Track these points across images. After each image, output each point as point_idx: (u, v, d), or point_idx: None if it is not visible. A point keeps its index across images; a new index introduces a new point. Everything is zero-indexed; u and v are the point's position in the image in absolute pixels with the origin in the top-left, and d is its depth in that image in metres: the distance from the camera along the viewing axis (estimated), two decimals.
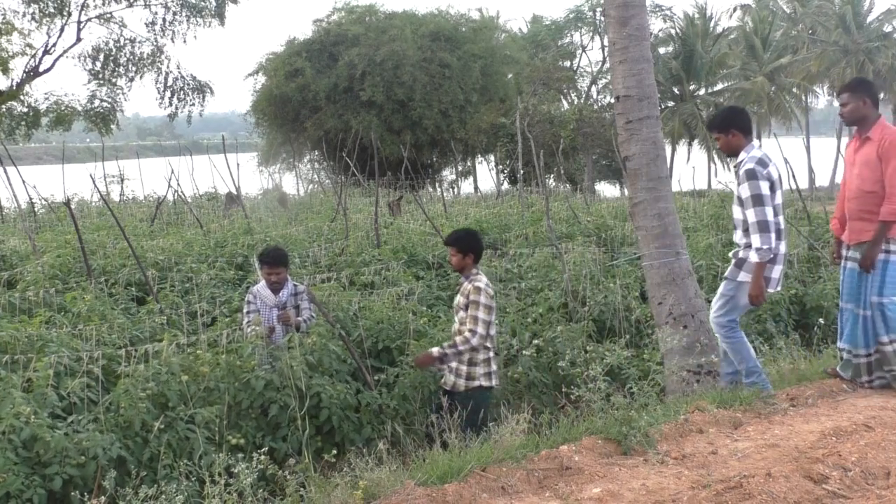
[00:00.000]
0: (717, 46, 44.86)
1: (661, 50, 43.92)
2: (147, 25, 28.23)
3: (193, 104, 29.67)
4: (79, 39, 26.98)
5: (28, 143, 35.01)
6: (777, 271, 4.95)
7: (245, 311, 6.25)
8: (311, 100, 30.91)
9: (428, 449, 4.33)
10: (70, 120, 28.16)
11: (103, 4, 27.02)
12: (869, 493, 3.60)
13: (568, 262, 8.60)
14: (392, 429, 5.45)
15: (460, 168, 36.96)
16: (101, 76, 28.11)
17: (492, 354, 5.45)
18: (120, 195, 19.70)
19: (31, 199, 15.40)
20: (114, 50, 27.99)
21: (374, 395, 5.72)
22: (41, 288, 7.58)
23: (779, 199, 4.93)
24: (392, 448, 4.97)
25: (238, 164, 17.11)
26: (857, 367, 5.18)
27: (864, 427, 4.39)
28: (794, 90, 47.58)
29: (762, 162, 4.92)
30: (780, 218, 4.93)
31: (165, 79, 28.86)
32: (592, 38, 41.76)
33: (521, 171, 17.71)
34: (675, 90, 43.66)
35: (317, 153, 33.75)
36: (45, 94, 28.32)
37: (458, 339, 5.31)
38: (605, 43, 21.16)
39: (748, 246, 4.94)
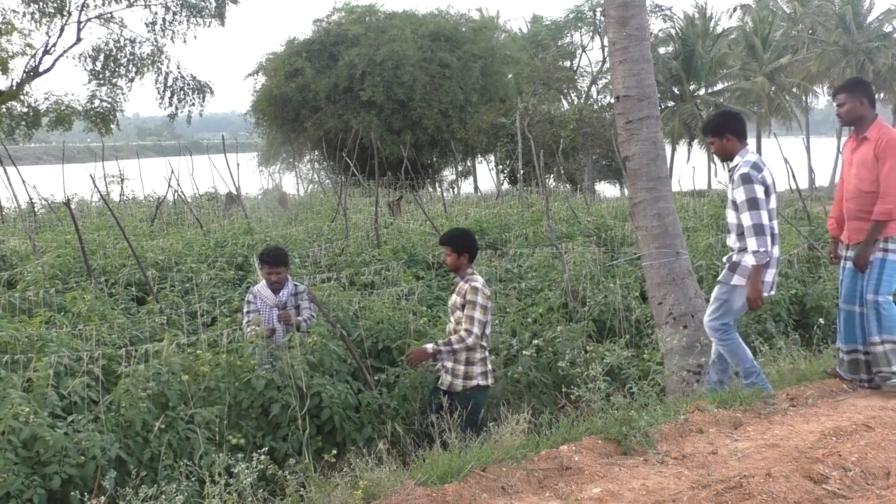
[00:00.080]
0: (717, 46, 44.88)
1: (661, 50, 43.94)
2: (147, 25, 28.28)
3: (193, 104, 29.71)
4: (79, 39, 27.01)
5: (28, 143, 35.02)
6: (771, 275, 4.95)
7: (245, 310, 6.25)
8: (311, 100, 30.92)
9: (428, 449, 4.33)
10: (70, 120, 28.16)
11: (103, 4, 27.04)
12: (869, 493, 3.60)
13: (568, 262, 8.61)
14: (392, 429, 5.45)
15: (460, 168, 36.98)
16: (101, 76, 28.11)
17: (487, 353, 5.46)
18: (120, 195, 19.70)
19: (31, 199, 15.40)
20: (114, 50, 28.00)
21: (375, 395, 5.72)
22: (41, 288, 7.58)
23: (773, 204, 4.95)
24: (392, 448, 4.97)
25: (238, 164, 17.13)
26: (855, 365, 5.18)
27: (864, 427, 4.39)
28: (794, 90, 47.60)
29: (757, 166, 4.93)
30: (774, 222, 4.95)
31: (165, 79, 28.88)
32: (592, 38, 41.80)
33: (521, 171, 17.71)
34: (675, 90, 43.68)
35: (317, 153, 33.76)
36: (45, 94, 28.37)
37: (453, 337, 5.32)
38: (605, 43, 21.14)
39: (741, 250, 4.96)
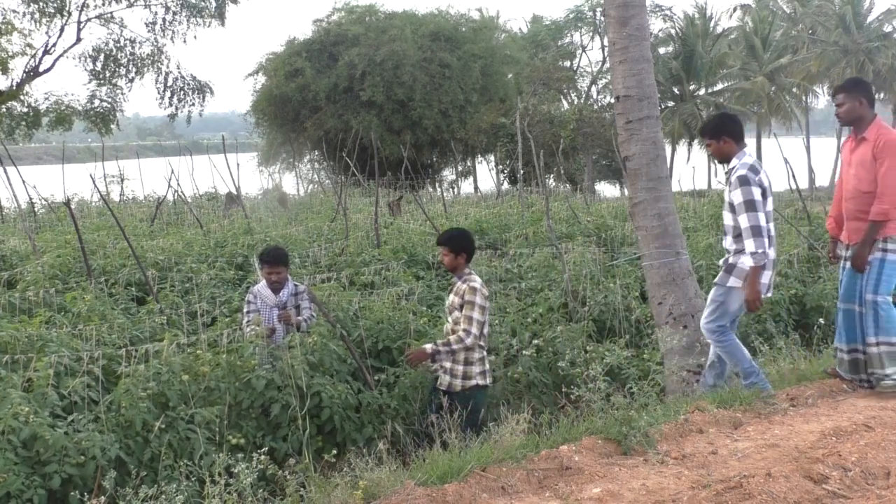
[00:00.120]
0: (717, 46, 44.88)
1: (661, 50, 43.93)
2: (147, 25, 28.28)
3: (193, 104, 29.70)
4: (79, 39, 27.01)
5: (28, 143, 35.01)
6: (767, 276, 4.96)
7: (245, 310, 6.25)
8: (311, 100, 30.93)
9: (428, 449, 4.33)
10: (70, 120, 28.16)
11: (103, 4, 27.04)
12: (869, 493, 3.60)
13: (568, 262, 8.60)
14: (392, 429, 5.45)
15: (460, 168, 36.98)
16: (101, 76, 28.11)
17: (485, 353, 5.46)
18: (120, 195, 19.70)
19: (31, 199, 15.40)
20: (114, 50, 28.00)
21: (375, 394, 5.72)
22: (41, 288, 7.58)
23: (770, 206, 4.97)
24: (392, 448, 4.98)
25: (238, 164, 17.13)
26: (855, 365, 5.18)
27: (864, 427, 4.39)
28: (794, 90, 47.60)
29: (754, 168, 4.96)
30: (771, 224, 4.96)
31: (165, 79, 28.88)
32: (592, 38, 41.81)
33: (521, 171, 17.72)
34: (675, 90, 43.67)
35: (317, 153, 33.77)
36: (45, 94, 28.38)
37: (452, 338, 5.31)
38: (605, 43, 21.14)
39: (738, 252, 4.97)
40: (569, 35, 42.59)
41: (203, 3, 28.13)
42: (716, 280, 5.15)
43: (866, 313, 4.99)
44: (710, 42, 44.67)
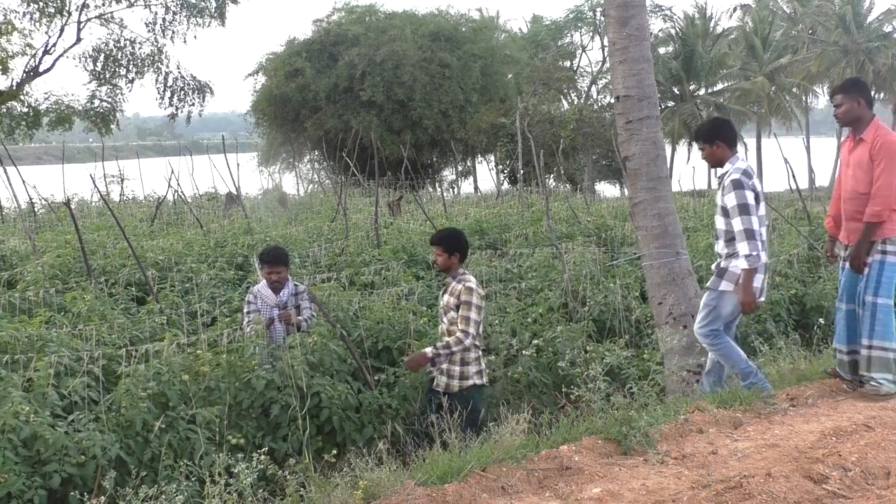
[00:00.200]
0: (717, 46, 44.87)
1: (661, 50, 43.93)
2: (147, 25, 28.28)
3: (193, 104, 29.69)
4: (79, 39, 27.01)
5: (28, 143, 35.02)
6: (759, 280, 4.97)
7: (245, 310, 6.26)
8: (311, 100, 30.92)
9: (428, 449, 4.33)
10: (70, 120, 28.16)
11: (103, 4, 27.04)
12: (869, 493, 3.60)
13: (568, 262, 8.61)
14: (392, 429, 5.45)
15: (460, 168, 36.98)
16: (101, 76, 28.12)
17: (480, 353, 5.46)
18: (120, 195, 19.70)
19: (31, 199, 15.40)
20: (114, 50, 27.99)
21: (375, 395, 5.72)
22: (41, 288, 7.58)
23: (762, 211, 4.99)
24: (392, 448, 4.97)
25: (238, 164, 17.13)
26: (854, 364, 5.18)
27: (864, 427, 4.39)
28: (794, 90, 47.61)
29: (747, 173, 4.99)
30: (763, 229, 4.98)
31: (165, 79, 28.87)
32: (592, 38, 41.81)
33: (521, 171, 17.71)
34: (675, 90, 43.66)
35: (317, 153, 33.77)
36: (45, 94, 28.37)
37: (450, 339, 5.29)
38: (605, 43, 21.13)
39: (729, 256, 4.98)
40: (569, 35, 42.60)
41: (203, 3, 28.13)
42: (708, 285, 5.17)
43: (863, 314, 4.99)
44: (710, 42, 44.67)
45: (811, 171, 18.47)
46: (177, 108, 29.45)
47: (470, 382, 5.36)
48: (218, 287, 8.45)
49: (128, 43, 28.13)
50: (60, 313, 6.92)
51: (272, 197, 22.20)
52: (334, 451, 4.92)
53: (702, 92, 44.83)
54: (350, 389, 5.61)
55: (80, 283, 7.97)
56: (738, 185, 4.90)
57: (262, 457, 3.90)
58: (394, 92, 30.03)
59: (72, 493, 4.20)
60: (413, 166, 24.17)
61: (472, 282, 5.37)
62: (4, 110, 26.73)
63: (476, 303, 5.29)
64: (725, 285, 5.00)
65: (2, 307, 7.20)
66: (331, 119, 30.65)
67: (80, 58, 27.82)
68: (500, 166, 31.57)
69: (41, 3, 25.69)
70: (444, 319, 5.44)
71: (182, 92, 29.27)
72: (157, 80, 28.83)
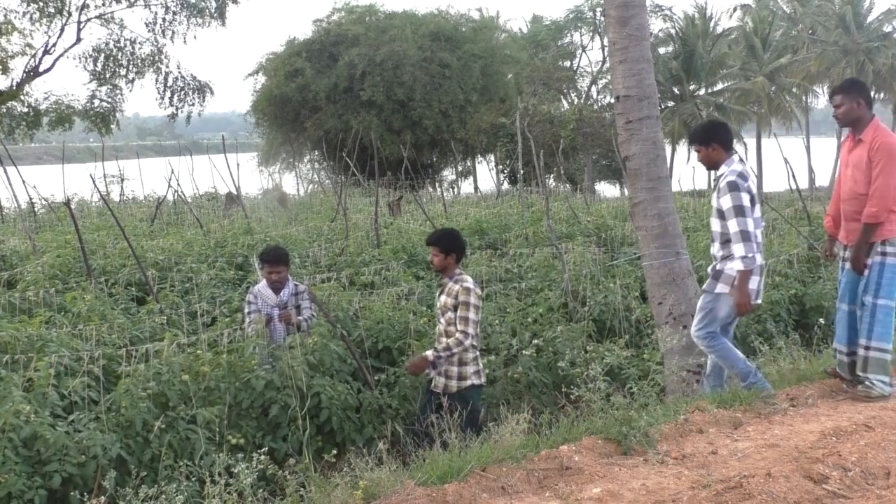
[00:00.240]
0: (717, 46, 44.86)
1: (661, 50, 43.91)
2: (147, 25, 28.30)
3: (193, 104, 29.71)
4: (79, 39, 27.02)
5: (28, 143, 35.04)
6: (755, 282, 4.98)
7: (246, 310, 6.26)
8: (311, 100, 30.93)
9: (428, 449, 4.33)
10: (70, 120, 28.17)
11: (103, 4, 27.05)
12: (869, 493, 3.60)
13: (568, 262, 8.61)
14: (392, 429, 5.45)
15: (460, 168, 36.98)
16: (101, 76, 28.12)
17: (478, 353, 5.46)
18: (120, 195, 19.72)
19: (31, 199, 15.40)
20: (114, 50, 28.00)
21: (375, 395, 5.72)
22: (41, 288, 7.59)
23: (757, 213, 4.99)
24: (392, 448, 4.97)
25: (238, 164, 17.13)
26: (854, 365, 5.18)
27: (864, 427, 4.39)
28: (794, 90, 47.58)
29: (743, 175, 5.00)
30: (759, 231, 4.99)
31: (165, 79, 28.88)
32: (592, 38, 41.78)
33: (521, 171, 17.71)
34: (675, 90, 43.65)
35: (317, 153, 33.77)
36: (45, 93, 28.41)
37: (450, 341, 5.28)
38: (605, 43, 21.16)
39: (725, 258, 4.99)
40: (569, 35, 42.58)
41: (203, 3, 28.14)
42: (704, 287, 5.17)
43: (863, 315, 4.98)
44: (710, 42, 44.65)
45: (811, 171, 18.49)
46: (177, 108, 29.47)
47: (468, 383, 5.35)
48: (218, 287, 8.45)
49: (128, 43, 28.15)
50: (60, 313, 6.93)
51: (272, 197, 22.20)
52: (334, 451, 4.92)
53: (702, 92, 44.81)
54: (350, 389, 5.61)
55: (80, 283, 7.97)
56: (733, 187, 4.91)
57: (262, 457, 3.90)
58: (394, 92, 30.04)
59: (72, 493, 4.20)
60: (413, 166, 24.18)
61: (470, 282, 5.36)
62: (4, 110, 26.73)
63: (474, 302, 5.29)
64: (721, 287, 5.01)
65: (2, 307, 7.21)
66: (331, 119, 30.66)
67: (80, 58, 27.87)
68: (500, 166, 31.57)
69: (41, 3, 25.69)
70: (442, 320, 5.42)
71: (182, 92, 29.29)
72: (157, 80, 28.87)
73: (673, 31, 44.93)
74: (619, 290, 7.87)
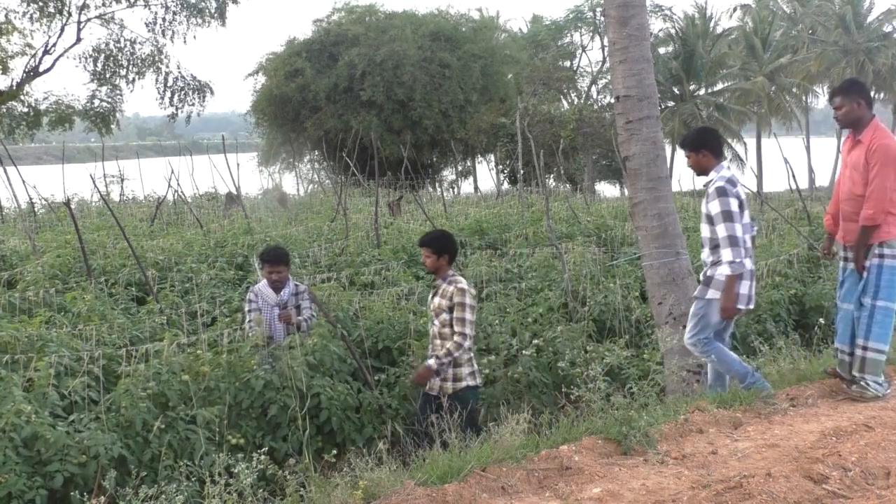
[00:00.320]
0: (717, 46, 44.84)
1: (661, 50, 43.89)
2: (147, 25, 28.28)
3: (193, 104, 29.69)
4: (79, 40, 27.02)
5: (28, 143, 35.05)
6: (746, 287, 4.99)
7: (246, 309, 6.26)
8: (311, 100, 30.93)
9: (428, 449, 4.33)
10: (70, 120, 28.17)
11: (103, 4, 27.04)
12: (869, 493, 3.60)
13: (568, 262, 8.61)
14: (392, 429, 5.45)
15: (460, 168, 36.98)
16: (101, 76, 28.12)
17: (472, 354, 5.46)
18: (120, 195, 19.72)
19: (31, 199, 15.40)
20: (114, 50, 28.00)
21: (375, 395, 5.72)
22: (41, 288, 7.59)
23: (746, 219, 5.01)
24: (392, 448, 4.97)
25: (238, 164, 17.14)
26: (851, 365, 5.18)
27: (864, 427, 4.39)
28: (794, 90, 47.58)
29: (731, 181, 5.03)
30: (748, 236, 5.01)
31: (165, 79, 28.87)
32: (592, 38, 41.74)
33: (521, 171, 17.71)
34: (675, 90, 43.63)
35: (317, 153, 33.77)
36: (45, 93, 28.40)
37: (450, 345, 5.26)
38: (605, 43, 21.17)
39: (714, 263, 5.00)
40: (569, 35, 42.55)
41: (203, 3, 28.13)
42: (695, 294, 5.17)
43: (861, 316, 4.98)
44: (710, 42, 44.63)
45: (811, 171, 18.47)
46: (177, 108, 29.46)
47: (463, 384, 5.33)
48: (218, 287, 8.45)
49: (128, 43, 28.15)
50: (60, 313, 6.93)
51: (272, 197, 22.21)
52: (334, 451, 4.92)
53: (702, 92, 44.79)
54: (350, 389, 5.61)
55: (80, 283, 7.97)
56: (721, 193, 4.94)
57: (262, 457, 3.91)
58: (394, 92, 30.04)
59: (72, 493, 4.20)
60: (413, 166, 24.18)
61: (463, 282, 5.36)
62: (4, 110, 26.73)
63: (469, 303, 5.28)
64: (712, 293, 5.02)
65: (2, 307, 7.21)
66: (331, 119, 30.65)
67: (80, 58, 27.86)
68: (500, 166, 31.57)
69: (41, 3, 25.69)
70: (436, 322, 5.40)
71: (182, 92, 29.28)
72: (157, 80, 28.86)
73: (673, 31, 44.91)
74: (619, 290, 7.87)
